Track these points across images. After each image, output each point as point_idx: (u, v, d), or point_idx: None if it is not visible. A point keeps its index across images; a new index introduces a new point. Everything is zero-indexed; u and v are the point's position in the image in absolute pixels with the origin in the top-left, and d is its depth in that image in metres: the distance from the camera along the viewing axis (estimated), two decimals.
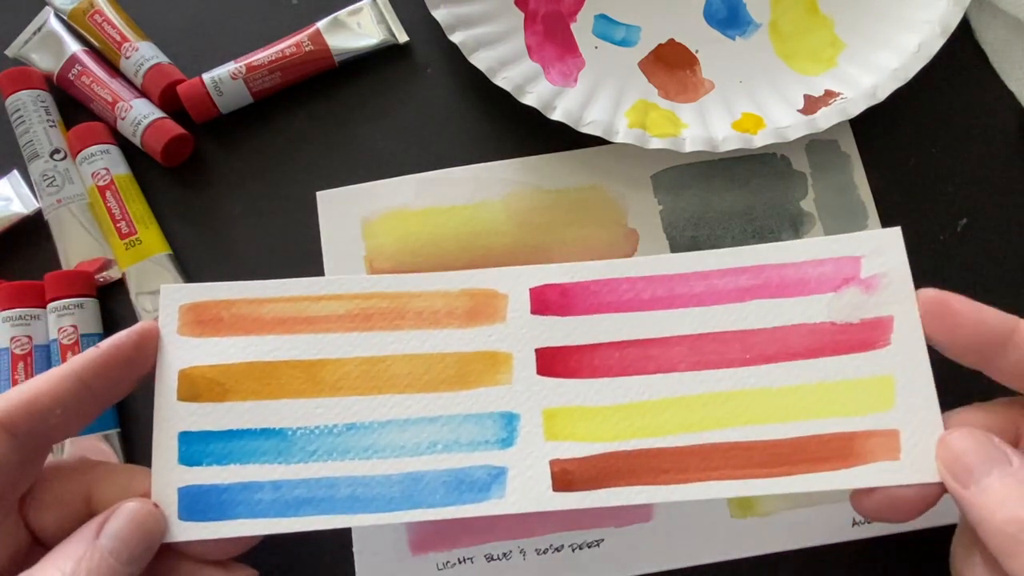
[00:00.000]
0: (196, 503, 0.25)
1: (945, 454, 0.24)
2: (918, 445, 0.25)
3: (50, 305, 0.32)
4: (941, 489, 0.24)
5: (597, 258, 0.34)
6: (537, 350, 0.26)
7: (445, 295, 0.27)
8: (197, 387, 0.26)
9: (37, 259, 0.35)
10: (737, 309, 0.26)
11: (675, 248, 0.34)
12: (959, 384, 0.26)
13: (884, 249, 0.26)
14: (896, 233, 0.26)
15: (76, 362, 0.24)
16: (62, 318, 0.32)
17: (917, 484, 0.24)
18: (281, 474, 0.25)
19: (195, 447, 0.25)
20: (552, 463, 0.25)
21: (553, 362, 0.26)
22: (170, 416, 0.25)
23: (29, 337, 0.32)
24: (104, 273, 0.34)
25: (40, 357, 0.32)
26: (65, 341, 0.32)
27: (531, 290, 0.27)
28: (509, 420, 0.26)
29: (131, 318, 0.34)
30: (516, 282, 0.27)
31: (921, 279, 0.27)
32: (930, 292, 0.25)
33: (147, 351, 0.26)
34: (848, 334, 0.26)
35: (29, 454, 0.24)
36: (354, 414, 0.26)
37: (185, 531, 0.24)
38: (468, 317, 0.27)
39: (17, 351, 0.32)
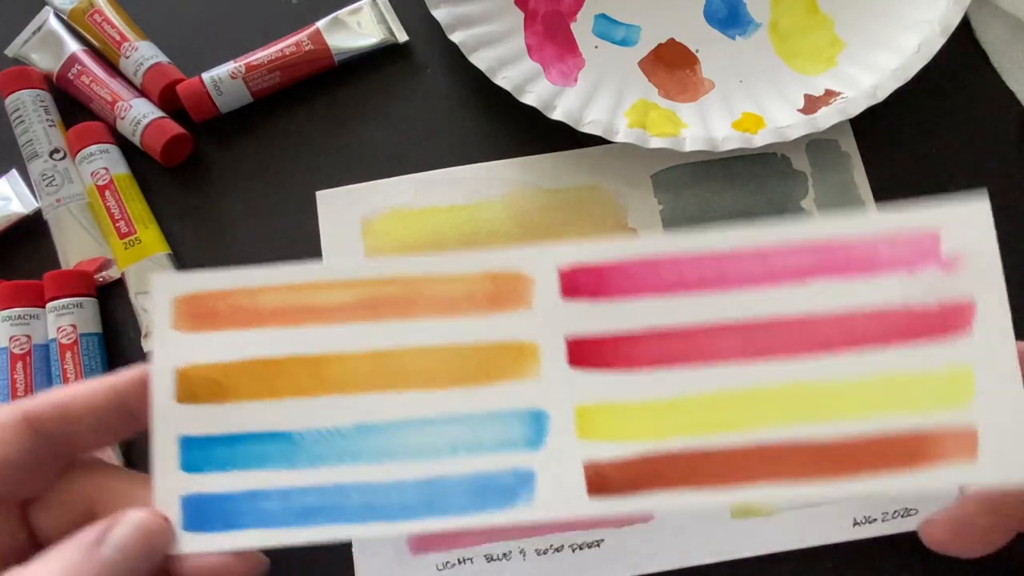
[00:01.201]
0: (200, 513, 0.23)
1: None
2: (1000, 444, 0.22)
3: (49, 304, 0.32)
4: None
5: None
6: (568, 339, 0.23)
7: (463, 279, 0.24)
8: (195, 387, 0.24)
9: (36, 259, 0.35)
10: (796, 291, 0.23)
11: None
12: None
13: (968, 224, 0.23)
14: (984, 208, 0.23)
15: (117, 376, 0.24)
16: (61, 317, 0.32)
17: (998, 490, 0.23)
18: (289, 481, 0.23)
19: (197, 452, 0.23)
20: (586, 465, 0.23)
21: (586, 352, 0.23)
22: (169, 419, 0.23)
23: (28, 336, 0.32)
24: (103, 273, 0.34)
25: (39, 357, 0.32)
26: (64, 340, 0.32)
27: (561, 271, 0.24)
28: (537, 418, 0.23)
29: (130, 318, 0.34)
30: (543, 262, 0.24)
31: None
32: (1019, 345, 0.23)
33: None
34: (924, 320, 0.23)
35: (49, 457, 0.23)
36: (364, 413, 0.23)
37: (189, 543, 0.23)
38: (489, 303, 0.24)
39: (16, 351, 0.32)
